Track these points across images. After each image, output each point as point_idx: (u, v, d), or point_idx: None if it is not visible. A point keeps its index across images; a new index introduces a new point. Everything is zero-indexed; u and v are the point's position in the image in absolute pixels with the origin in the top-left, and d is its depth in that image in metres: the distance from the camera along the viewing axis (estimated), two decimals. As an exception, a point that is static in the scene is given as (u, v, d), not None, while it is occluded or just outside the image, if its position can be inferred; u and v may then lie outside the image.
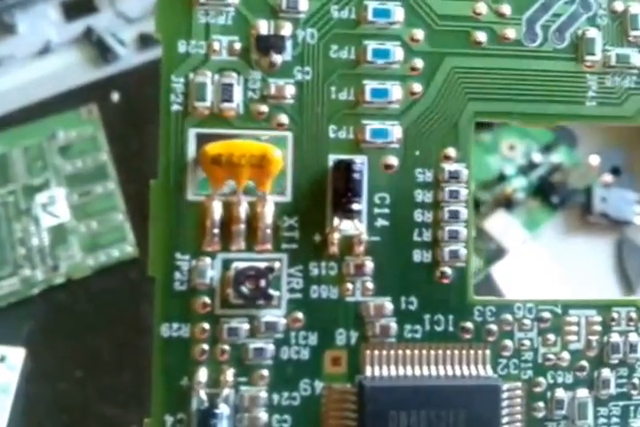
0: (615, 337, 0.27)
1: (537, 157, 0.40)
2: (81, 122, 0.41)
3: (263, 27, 0.26)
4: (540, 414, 0.26)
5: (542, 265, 0.40)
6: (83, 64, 0.44)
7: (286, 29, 0.26)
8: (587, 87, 0.27)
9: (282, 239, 0.26)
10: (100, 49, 0.46)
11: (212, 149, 0.25)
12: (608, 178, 0.40)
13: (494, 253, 0.38)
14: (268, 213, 0.26)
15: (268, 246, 0.26)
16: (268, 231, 0.26)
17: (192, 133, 0.26)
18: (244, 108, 0.26)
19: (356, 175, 0.26)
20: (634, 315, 0.27)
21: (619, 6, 0.27)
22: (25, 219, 0.35)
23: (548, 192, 0.40)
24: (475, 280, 0.32)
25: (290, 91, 0.26)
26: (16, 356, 0.33)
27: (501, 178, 0.39)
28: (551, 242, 0.40)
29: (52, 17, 0.45)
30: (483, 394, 0.26)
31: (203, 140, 0.26)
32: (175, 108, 0.26)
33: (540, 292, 0.39)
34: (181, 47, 0.26)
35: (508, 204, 0.39)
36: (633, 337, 0.27)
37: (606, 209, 0.40)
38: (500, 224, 0.38)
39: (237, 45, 0.26)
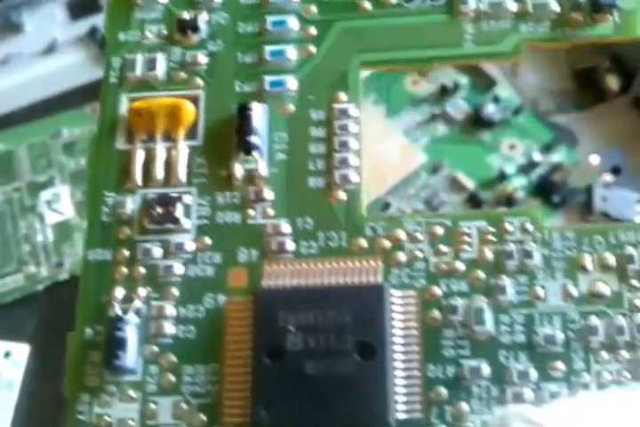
0: (510, 246, 0.27)
1: (537, 157, 0.40)
2: (85, 120, 0.44)
3: (184, 14, 0.32)
4: (436, 322, 0.27)
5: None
6: (87, 63, 0.47)
7: (203, 15, 0.32)
8: (463, 32, 0.30)
9: (193, 175, 0.30)
10: (104, 48, 0.49)
11: (136, 105, 0.31)
12: (608, 177, 0.40)
13: None
14: (182, 154, 0.30)
15: (181, 182, 0.29)
16: (181, 169, 0.30)
17: (124, 97, 0.31)
18: (167, 76, 0.31)
19: (250, 113, 0.29)
20: (529, 226, 0.28)
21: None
22: (30, 216, 0.39)
23: (548, 191, 0.40)
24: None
25: (203, 59, 0.31)
26: (21, 352, 0.36)
27: (502, 177, 0.40)
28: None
29: (58, 16, 0.48)
30: (367, 294, 0.27)
31: (132, 101, 0.31)
32: (112, 80, 0.31)
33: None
34: (121, 37, 0.32)
35: (508, 203, 0.39)
36: (529, 246, 0.27)
37: (607, 208, 0.39)
38: None
39: (164, 32, 0.32)
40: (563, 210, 0.40)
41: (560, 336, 0.26)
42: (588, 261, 0.27)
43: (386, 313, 0.26)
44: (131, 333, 0.27)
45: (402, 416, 0.26)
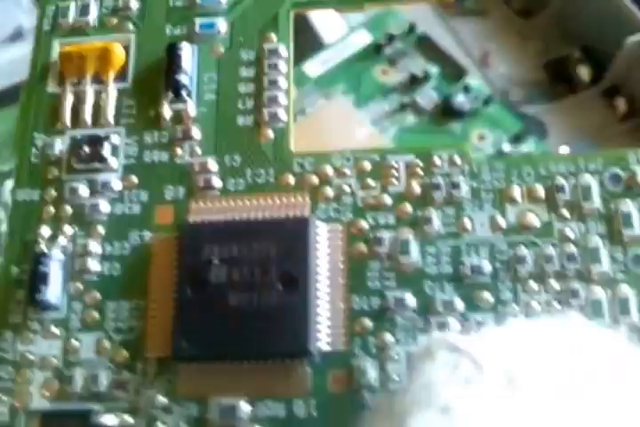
0: (438, 179, 0.27)
1: (506, 147, 0.40)
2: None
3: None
4: (362, 254, 0.26)
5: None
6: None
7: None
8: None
9: (121, 116, 0.29)
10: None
11: (66, 49, 0.30)
12: None
13: None
14: (111, 96, 0.29)
15: (110, 121, 0.29)
16: (110, 111, 0.29)
17: (56, 43, 0.31)
18: (99, 21, 0.31)
19: (179, 52, 0.29)
20: (457, 159, 0.27)
21: None
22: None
23: None
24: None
25: (134, 4, 0.31)
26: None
27: None
28: None
29: (24, 3, 0.47)
30: (292, 227, 0.26)
31: (64, 47, 0.31)
32: (46, 27, 0.31)
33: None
34: (54, -10, 0.32)
35: None
36: (457, 178, 0.27)
37: None
38: None
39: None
40: None
41: (487, 267, 0.26)
42: (516, 192, 0.27)
43: (309, 245, 0.26)
44: (54, 268, 0.27)
45: (325, 348, 0.25)
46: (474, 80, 0.39)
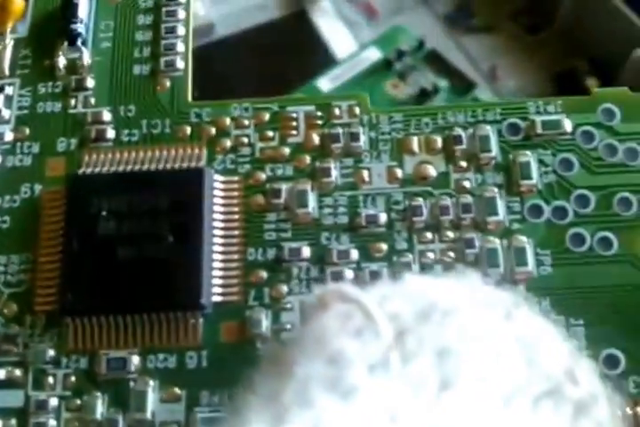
0: (337, 129, 0.27)
1: None
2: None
3: None
4: (258, 206, 0.26)
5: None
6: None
7: None
8: None
9: (17, 67, 0.28)
10: None
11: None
12: None
13: None
14: (8, 47, 0.28)
15: (5, 72, 0.28)
16: (6, 62, 0.28)
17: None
18: (-8, -34, 0.30)
19: (75, 1, 0.28)
20: (357, 109, 0.27)
21: None
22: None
23: None
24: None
25: (30, -53, 0.30)
26: None
27: None
28: None
29: None
30: (186, 178, 0.26)
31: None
32: None
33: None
34: None
35: None
36: (355, 128, 0.27)
37: None
38: None
39: None
40: None
41: (383, 217, 0.25)
42: (414, 142, 0.26)
43: (203, 196, 0.25)
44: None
45: (218, 299, 0.25)
46: (483, 93, 0.39)
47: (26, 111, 0.28)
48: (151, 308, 0.24)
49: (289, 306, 0.25)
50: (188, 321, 0.25)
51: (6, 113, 0.28)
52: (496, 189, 0.25)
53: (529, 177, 0.25)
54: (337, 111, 0.27)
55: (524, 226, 0.25)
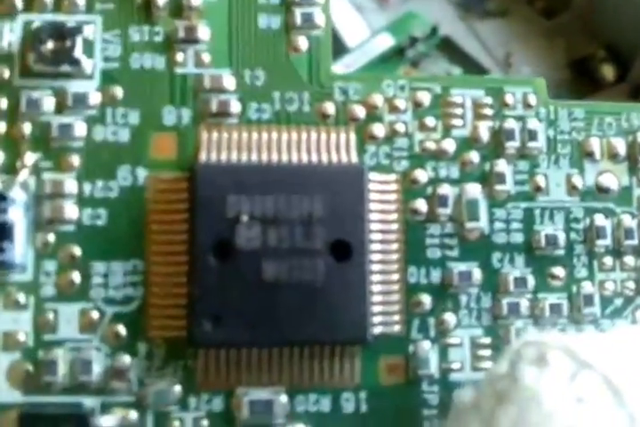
0: (510, 123, 0.22)
1: None
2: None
3: None
4: (421, 215, 0.22)
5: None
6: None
7: None
8: None
9: (94, -1, 0.21)
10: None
11: None
12: None
13: None
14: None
15: (79, 3, 0.21)
16: (82, -13, 0.21)
17: None
18: None
19: None
20: (532, 98, 0.22)
21: None
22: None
23: None
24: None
25: None
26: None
27: None
28: None
29: None
30: (344, 178, 0.21)
31: None
32: None
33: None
34: None
35: None
36: (532, 124, 0.22)
37: None
38: None
39: None
40: None
41: (562, 237, 0.22)
42: (596, 147, 0.22)
43: (365, 203, 0.21)
44: (17, 215, 0.20)
45: (377, 330, 0.21)
46: None
47: (115, 64, 0.21)
48: (304, 340, 0.20)
49: (457, 341, 0.21)
50: (344, 356, 0.21)
51: (88, 64, 0.21)
52: (679, 210, 0.23)
53: None
54: (510, 99, 0.22)
55: None
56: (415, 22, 0.37)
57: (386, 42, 0.36)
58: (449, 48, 0.37)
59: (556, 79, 0.37)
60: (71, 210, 0.20)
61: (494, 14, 0.38)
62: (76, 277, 0.20)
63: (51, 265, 0.20)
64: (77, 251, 0.20)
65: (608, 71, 0.37)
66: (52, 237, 0.20)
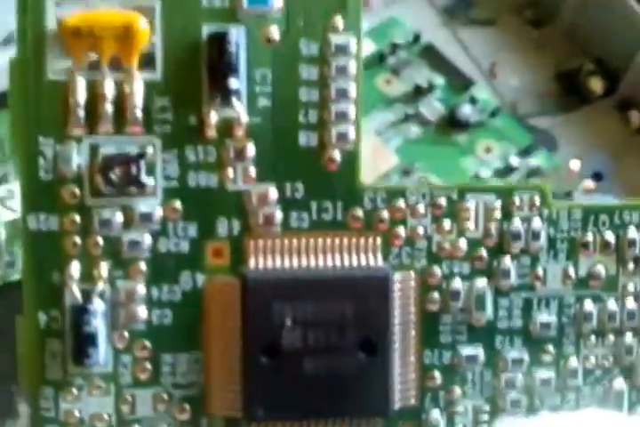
0: (516, 223, 0.25)
1: (514, 161, 0.37)
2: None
3: None
4: (435, 307, 0.25)
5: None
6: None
7: None
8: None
9: (154, 122, 0.24)
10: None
11: (72, 20, 0.23)
12: (589, 183, 0.37)
13: None
14: (137, 91, 0.23)
15: (139, 129, 0.24)
16: (138, 112, 0.23)
17: (51, 7, 0.23)
18: (108, -23, 0.23)
19: (231, 47, 0.23)
20: (537, 200, 0.26)
21: None
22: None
23: None
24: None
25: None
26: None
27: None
28: None
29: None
30: (371, 284, 0.24)
31: (63, 10, 0.23)
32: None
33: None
34: None
35: None
36: (536, 223, 0.26)
37: None
38: None
39: None
40: None
41: (554, 322, 0.26)
42: (591, 243, 0.26)
43: (390, 307, 0.24)
44: (99, 324, 0.24)
45: (397, 405, 0.25)
46: (481, 91, 0.36)
47: (174, 183, 0.24)
48: (337, 414, 0.25)
49: (462, 409, 0.26)
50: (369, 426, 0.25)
51: (150, 184, 0.24)
52: (658, 295, 0.26)
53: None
54: (517, 202, 0.26)
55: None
56: (397, 28, 0.37)
57: (366, 48, 0.35)
58: (431, 56, 0.37)
59: (543, 92, 0.38)
60: (142, 312, 0.24)
61: (480, 23, 0.38)
62: (149, 367, 0.24)
63: (127, 358, 0.24)
64: (148, 345, 0.24)
65: (596, 84, 0.38)
66: (126, 335, 0.24)
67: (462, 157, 0.37)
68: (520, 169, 0.37)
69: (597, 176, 0.38)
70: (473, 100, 0.37)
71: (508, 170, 0.37)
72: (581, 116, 0.38)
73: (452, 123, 0.36)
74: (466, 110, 0.36)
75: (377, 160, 0.35)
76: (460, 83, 0.37)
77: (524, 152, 0.37)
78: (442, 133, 0.36)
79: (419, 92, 0.36)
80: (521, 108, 0.37)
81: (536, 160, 0.37)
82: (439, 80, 0.37)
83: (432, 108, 0.36)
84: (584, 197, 0.36)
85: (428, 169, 0.36)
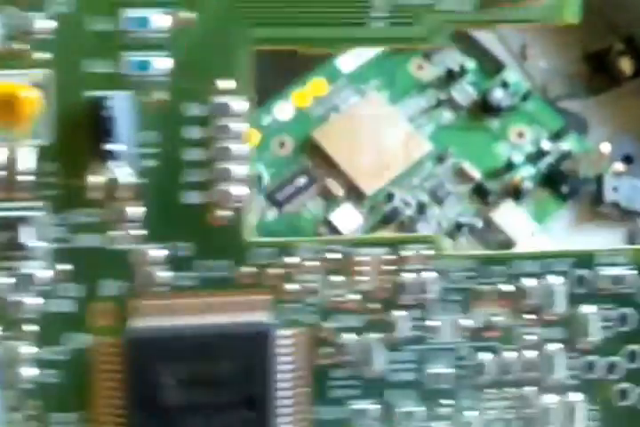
0: (407, 276, 0.25)
1: (546, 145, 0.37)
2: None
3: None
4: (326, 361, 0.25)
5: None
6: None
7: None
8: (370, 7, 0.25)
9: (41, 186, 0.24)
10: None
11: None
12: (620, 166, 0.37)
13: (503, 245, 0.36)
14: (25, 157, 0.24)
15: (26, 193, 0.24)
16: (27, 178, 0.24)
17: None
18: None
19: (105, 112, 0.24)
20: (428, 252, 0.26)
21: None
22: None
23: (557, 181, 0.36)
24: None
25: (44, 24, 0.24)
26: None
27: (509, 166, 0.36)
28: (561, 233, 0.37)
29: None
30: (252, 341, 0.24)
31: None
32: None
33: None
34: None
35: (516, 194, 0.36)
36: (427, 275, 0.26)
37: (618, 199, 0.36)
38: (508, 215, 0.36)
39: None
40: (572, 200, 0.37)
41: (449, 373, 0.26)
42: (484, 293, 0.26)
43: (269, 365, 0.25)
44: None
45: (288, 460, 0.25)
46: (512, 74, 0.36)
47: (61, 245, 0.25)
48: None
49: (358, 465, 0.26)
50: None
51: (39, 246, 0.24)
52: (559, 345, 0.26)
53: (591, 333, 0.26)
54: (409, 255, 0.26)
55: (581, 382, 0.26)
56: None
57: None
58: (462, 39, 0.36)
59: (572, 73, 0.37)
60: (30, 371, 0.24)
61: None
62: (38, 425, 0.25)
63: (16, 416, 0.24)
64: (37, 404, 0.24)
65: (626, 65, 0.37)
66: (16, 394, 0.24)
67: (495, 143, 0.37)
68: (552, 153, 0.36)
69: (628, 159, 0.37)
70: (504, 84, 0.36)
71: (540, 154, 0.36)
72: (611, 98, 0.38)
73: (485, 108, 0.36)
74: (498, 95, 0.36)
75: (409, 147, 0.35)
76: (491, 66, 0.36)
77: (556, 136, 0.37)
78: (474, 119, 0.36)
79: (451, 77, 0.36)
80: (551, 91, 0.37)
81: (567, 144, 0.37)
82: (471, 64, 0.36)
83: (464, 92, 0.36)
84: (613, 179, 0.36)
85: (462, 155, 0.36)
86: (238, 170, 0.25)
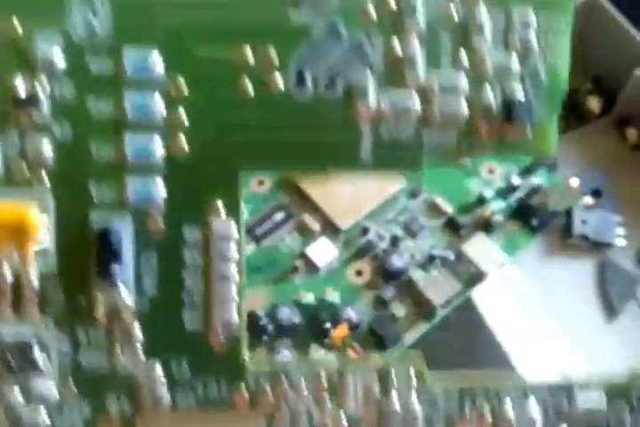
0: (394, 406, 0.27)
1: (516, 180, 0.38)
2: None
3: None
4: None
5: (522, 288, 0.39)
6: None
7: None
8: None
9: (48, 304, 0.26)
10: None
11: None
12: (589, 200, 0.39)
13: (474, 277, 0.37)
14: (33, 278, 0.26)
15: (35, 314, 0.26)
16: (34, 298, 0.26)
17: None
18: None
19: (114, 240, 0.25)
20: (414, 378, 0.27)
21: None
22: None
23: (527, 215, 0.38)
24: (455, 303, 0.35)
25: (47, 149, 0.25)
26: None
27: (481, 201, 0.38)
28: (531, 265, 0.39)
29: None
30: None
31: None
32: None
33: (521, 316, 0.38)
34: None
35: (487, 227, 0.37)
36: (412, 403, 0.27)
37: (587, 231, 0.38)
38: (479, 247, 0.37)
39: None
40: (542, 233, 0.38)
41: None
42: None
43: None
44: None
45: None
46: None
47: (67, 363, 0.26)
48: None
49: None
50: None
51: (47, 365, 0.26)
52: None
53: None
54: (394, 381, 0.27)
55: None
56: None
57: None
58: None
59: None
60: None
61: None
62: None
63: None
64: None
65: (594, 104, 0.39)
66: None
67: (467, 179, 0.38)
68: (522, 188, 0.38)
69: (596, 193, 0.39)
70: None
71: (510, 189, 0.38)
72: (580, 135, 0.39)
73: None
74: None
75: (384, 183, 0.37)
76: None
77: (526, 171, 0.38)
78: None
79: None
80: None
81: (537, 179, 0.38)
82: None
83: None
84: (582, 213, 0.37)
85: (434, 191, 0.37)
86: (234, 294, 0.26)
